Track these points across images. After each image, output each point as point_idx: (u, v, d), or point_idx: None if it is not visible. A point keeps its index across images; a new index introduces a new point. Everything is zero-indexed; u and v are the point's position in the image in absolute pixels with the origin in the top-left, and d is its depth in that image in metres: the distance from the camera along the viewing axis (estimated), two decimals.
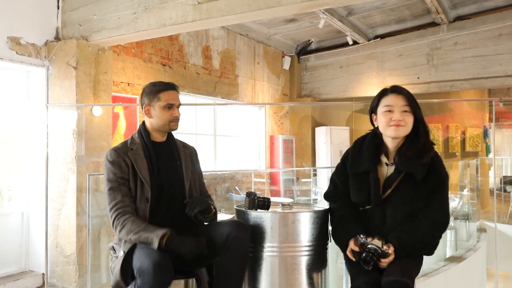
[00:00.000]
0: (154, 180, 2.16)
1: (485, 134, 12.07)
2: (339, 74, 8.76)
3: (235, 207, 2.48)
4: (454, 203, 5.72)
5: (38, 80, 4.35)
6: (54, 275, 4.23)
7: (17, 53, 4.05)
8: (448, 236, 5.25)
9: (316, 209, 2.45)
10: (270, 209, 2.37)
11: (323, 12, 6.57)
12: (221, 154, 7.45)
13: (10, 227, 4.30)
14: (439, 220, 2.03)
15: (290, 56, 9.06)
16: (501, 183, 10.16)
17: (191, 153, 2.37)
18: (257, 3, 3.44)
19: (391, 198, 2.01)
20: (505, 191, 9.31)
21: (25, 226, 4.38)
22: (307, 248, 2.29)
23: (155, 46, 6.03)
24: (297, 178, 8.43)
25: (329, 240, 2.47)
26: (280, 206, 2.57)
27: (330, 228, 2.32)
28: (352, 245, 2.03)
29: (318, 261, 2.33)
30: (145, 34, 4.15)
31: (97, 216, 4.29)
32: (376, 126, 2.08)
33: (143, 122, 2.31)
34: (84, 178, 4.09)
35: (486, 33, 6.98)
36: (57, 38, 4.39)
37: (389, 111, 1.98)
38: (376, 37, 8.22)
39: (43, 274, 4.22)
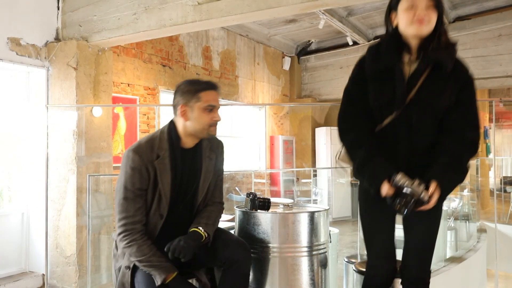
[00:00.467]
0: (173, 196, 1.99)
1: (485, 134, 12.06)
2: (339, 75, 8.76)
3: (235, 207, 2.48)
4: (454, 203, 5.72)
5: (38, 81, 4.35)
6: (54, 276, 4.23)
7: (17, 54, 4.05)
8: (448, 237, 5.25)
9: (316, 209, 2.45)
10: (270, 210, 2.37)
11: (323, 13, 6.58)
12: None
13: (10, 228, 4.29)
14: (475, 124, 1.83)
15: (290, 56, 9.07)
16: (501, 184, 10.16)
17: (217, 156, 2.13)
18: (257, 4, 3.44)
19: (417, 99, 1.80)
20: (505, 191, 9.30)
21: (25, 226, 4.38)
22: (307, 249, 2.29)
23: (155, 47, 6.03)
24: (297, 179, 8.43)
25: (329, 241, 2.47)
26: (280, 206, 2.57)
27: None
28: (387, 187, 1.74)
29: (318, 262, 2.33)
30: (145, 34, 4.15)
31: (97, 216, 4.29)
32: (394, 26, 1.87)
33: (172, 123, 2.04)
34: (84, 179, 4.09)
35: (486, 33, 6.99)
36: (57, 39, 4.39)
37: (412, 6, 1.78)
38: (376, 37, 8.22)
39: (43, 274, 4.22)
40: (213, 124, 2.00)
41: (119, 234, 1.95)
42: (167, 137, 2.00)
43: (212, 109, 1.98)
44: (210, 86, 2.01)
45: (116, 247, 2.06)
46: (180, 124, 2.01)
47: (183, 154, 2.02)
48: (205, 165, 2.07)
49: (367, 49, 1.93)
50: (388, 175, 1.75)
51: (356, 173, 1.90)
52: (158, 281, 1.86)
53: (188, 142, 2.03)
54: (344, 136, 1.92)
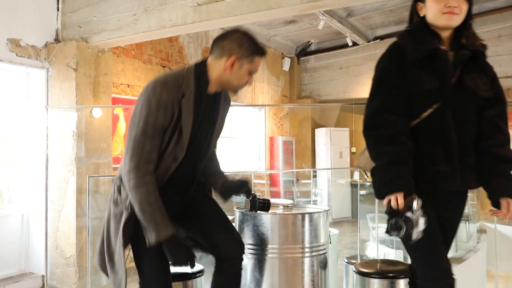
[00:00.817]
0: (190, 139, 1.88)
1: None
2: (339, 76, 8.77)
3: (235, 208, 2.48)
4: None
5: (38, 82, 4.35)
6: (54, 277, 4.23)
7: (17, 55, 4.05)
8: None
9: (316, 210, 2.45)
10: (270, 211, 2.37)
11: (322, 14, 6.58)
12: (221, 156, 7.44)
13: (10, 229, 4.29)
14: (507, 119, 1.79)
15: (290, 57, 9.07)
16: None
17: (226, 108, 2.10)
18: (257, 5, 3.44)
19: (461, 87, 1.70)
20: None
21: (25, 227, 4.37)
22: (307, 250, 2.29)
23: (155, 48, 6.03)
24: (297, 180, 8.43)
25: (329, 242, 2.47)
26: (280, 207, 2.57)
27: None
28: (402, 202, 1.60)
29: (318, 263, 2.32)
30: (145, 35, 4.15)
31: (97, 217, 4.28)
32: (420, 16, 1.79)
33: (205, 63, 1.92)
34: (84, 180, 4.09)
35: (486, 34, 6.98)
36: (57, 40, 4.39)
37: None
38: (375, 38, 8.23)
39: (43, 276, 4.22)
40: (245, 86, 1.98)
41: (130, 171, 1.78)
42: (193, 78, 1.89)
43: (252, 73, 1.95)
44: (264, 53, 1.94)
45: (119, 191, 1.89)
46: (217, 70, 1.90)
47: (207, 99, 1.94)
48: (220, 114, 2.03)
49: (399, 37, 1.81)
50: (410, 191, 1.62)
51: (376, 169, 1.71)
52: (151, 240, 1.75)
53: (212, 88, 1.94)
54: (376, 131, 1.71)
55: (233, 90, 1.97)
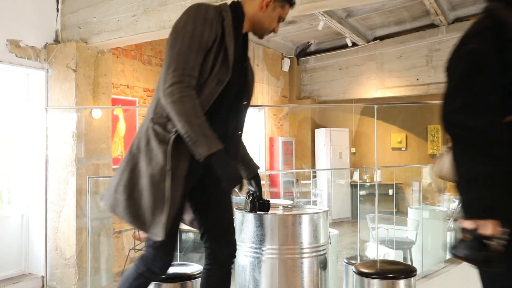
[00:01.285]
0: (233, 67, 1.80)
1: None
2: (339, 76, 8.77)
3: (235, 209, 2.48)
4: (454, 204, 5.72)
5: (37, 82, 4.36)
6: (53, 278, 4.22)
7: (16, 55, 4.06)
8: (448, 238, 5.24)
9: (316, 211, 2.45)
10: (270, 211, 2.37)
11: (322, 14, 6.58)
12: None
13: (10, 230, 4.29)
14: None
15: (289, 58, 9.08)
16: None
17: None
18: None
19: None
20: None
21: (25, 228, 4.37)
22: (307, 250, 2.29)
23: (154, 49, 6.04)
24: (297, 180, 8.43)
25: (329, 242, 2.47)
26: (280, 208, 2.57)
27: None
28: (498, 229, 1.26)
29: (318, 263, 2.32)
30: (144, 36, 4.15)
31: (97, 218, 4.29)
32: None
33: (238, 2, 1.94)
34: (84, 181, 4.09)
35: None
36: (56, 41, 4.39)
37: None
38: (375, 38, 8.24)
39: (43, 276, 4.22)
40: (271, 32, 2.01)
41: (173, 84, 1.67)
42: (230, 8, 1.89)
43: (280, 20, 1.99)
44: (293, 3, 2.00)
45: (165, 128, 1.74)
46: (252, 8, 1.92)
47: (241, 34, 1.93)
48: (249, 62, 2.03)
49: (497, 8, 1.33)
50: (503, 221, 1.27)
51: (472, 183, 1.29)
52: (202, 153, 1.64)
53: (245, 28, 1.94)
54: (469, 133, 1.27)
55: (261, 32, 1.99)
